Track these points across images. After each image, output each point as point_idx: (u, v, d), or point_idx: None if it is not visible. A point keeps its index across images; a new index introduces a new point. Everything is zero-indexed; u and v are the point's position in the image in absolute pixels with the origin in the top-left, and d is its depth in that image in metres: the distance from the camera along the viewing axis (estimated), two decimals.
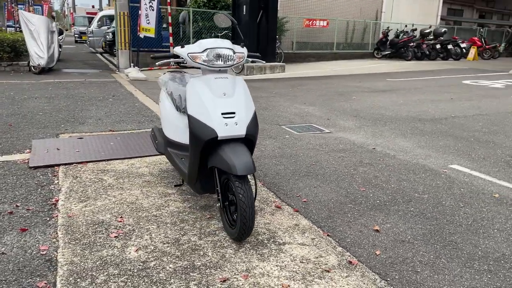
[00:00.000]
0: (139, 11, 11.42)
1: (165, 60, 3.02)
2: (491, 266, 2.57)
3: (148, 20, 11.26)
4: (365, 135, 5.75)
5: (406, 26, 20.27)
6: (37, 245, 2.64)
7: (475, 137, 5.74)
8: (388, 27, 19.60)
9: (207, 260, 2.50)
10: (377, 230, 2.97)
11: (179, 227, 2.92)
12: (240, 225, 2.54)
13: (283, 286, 2.26)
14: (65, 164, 4.16)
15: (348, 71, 14.51)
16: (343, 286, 2.30)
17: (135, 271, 2.38)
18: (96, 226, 2.92)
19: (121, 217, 3.07)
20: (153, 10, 11.17)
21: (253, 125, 2.70)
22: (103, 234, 2.81)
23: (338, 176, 4.06)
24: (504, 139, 5.69)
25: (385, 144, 5.28)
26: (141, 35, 11.49)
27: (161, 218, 3.06)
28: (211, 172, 2.83)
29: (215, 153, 2.65)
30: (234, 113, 2.66)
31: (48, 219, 3.01)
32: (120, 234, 2.81)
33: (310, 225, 3.03)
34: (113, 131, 5.51)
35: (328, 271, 2.43)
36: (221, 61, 2.72)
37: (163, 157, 4.45)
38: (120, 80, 10.69)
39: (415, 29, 19.59)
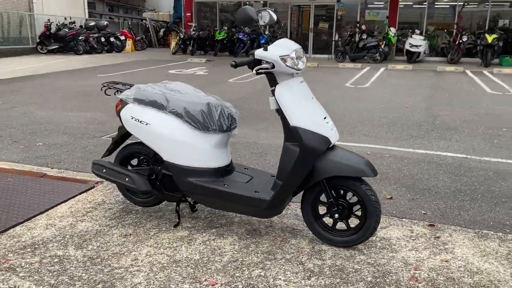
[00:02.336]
0: None
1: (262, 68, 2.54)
2: None
3: None
4: None
5: (65, 18, 19.37)
6: None
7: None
8: (49, 19, 18.23)
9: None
10: None
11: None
12: (371, 228, 2.62)
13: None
14: None
15: (21, 72, 12.95)
16: None
17: None
18: None
19: None
20: None
21: None
22: None
23: None
24: None
25: None
26: None
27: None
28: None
29: (325, 162, 2.56)
30: (326, 117, 2.66)
31: None
32: None
33: None
34: None
35: None
36: (302, 62, 2.60)
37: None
38: None
39: (74, 22, 19.08)
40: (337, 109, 7.49)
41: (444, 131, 6.06)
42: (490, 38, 14.58)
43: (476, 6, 18.45)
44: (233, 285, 2.34)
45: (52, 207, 3.32)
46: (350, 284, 2.35)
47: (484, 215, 3.35)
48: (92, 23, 19.30)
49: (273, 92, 2.63)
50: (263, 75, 2.62)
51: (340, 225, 2.80)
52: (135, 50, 22.72)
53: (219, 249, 2.73)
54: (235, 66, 2.56)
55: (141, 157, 3.19)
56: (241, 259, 2.61)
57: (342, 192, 2.71)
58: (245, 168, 3.09)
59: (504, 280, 2.39)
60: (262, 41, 17.95)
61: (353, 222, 2.75)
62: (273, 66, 2.52)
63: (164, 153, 2.83)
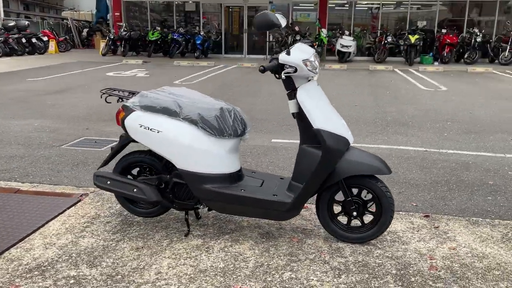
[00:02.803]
0: None
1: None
2: None
3: None
4: None
5: None
6: None
7: None
8: None
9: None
10: None
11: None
12: (386, 223, 2.75)
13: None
14: None
15: None
16: None
17: None
18: None
19: None
20: None
21: None
22: None
23: None
24: None
25: None
26: None
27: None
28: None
29: (344, 162, 2.65)
30: (341, 118, 2.76)
31: None
32: None
33: None
34: None
35: None
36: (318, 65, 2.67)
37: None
38: None
39: None
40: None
41: (398, 127, 6.46)
42: (413, 39, 15.72)
43: (393, 8, 19.73)
44: None
45: (43, 225, 3.09)
46: (379, 279, 2.46)
47: (466, 204, 3.66)
48: (12, 23, 17.91)
49: (290, 95, 2.67)
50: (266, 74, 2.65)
51: (354, 222, 2.91)
52: (59, 51, 21.44)
53: (241, 255, 2.72)
54: (263, 71, 2.57)
55: (144, 167, 3.07)
56: (266, 263, 2.63)
57: (357, 190, 2.82)
58: (252, 172, 3.10)
59: (510, 262, 2.64)
60: (198, 42, 17.83)
61: (367, 218, 2.87)
62: (295, 70, 2.56)
63: (178, 161, 2.76)
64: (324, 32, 17.40)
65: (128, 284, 2.41)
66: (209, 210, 2.97)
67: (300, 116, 2.66)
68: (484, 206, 3.61)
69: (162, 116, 2.76)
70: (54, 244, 2.84)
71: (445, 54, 16.45)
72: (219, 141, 2.76)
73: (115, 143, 3.12)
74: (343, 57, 16.83)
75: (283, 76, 2.59)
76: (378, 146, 5.37)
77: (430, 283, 2.42)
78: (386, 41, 16.68)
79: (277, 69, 2.60)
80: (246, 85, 10.68)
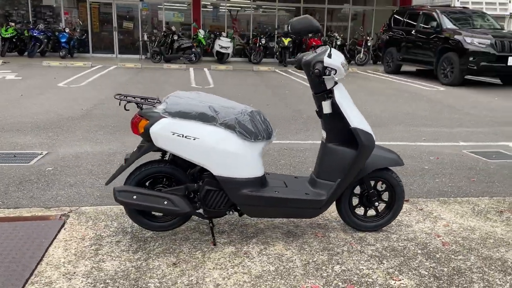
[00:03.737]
0: None
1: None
2: None
3: None
4: None
5: None
6: None
7: None
8: None
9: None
10: None
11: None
12: (399, 209, 3.07)
13: None
14: None
15: None
16: None
17: None
18: None
19: None
20: None
21: None
22: None
23: None
24: None
25: None
26: None
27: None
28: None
29: (370, 158, 2.90)
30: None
31: None
32: None
33: None
34: None
35: None
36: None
37: None
38: None
39: None
40: None
41: (318, 123, 6.98)
42: (286, 41, 16.84)
43: (262, 11, 20.85)
44: (333, 285, 2.47)
45: (44, 254, 2.68)
46: (412, 259, 2.76)
47: (426, 187, 4.23)
48: None
49: (323, 97, 2.80)
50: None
51: (370, 212, 3.17)
52: None
53: (282, 255, 2.77)
54: (319, 75, 2.64)
55: (159, 177, 2.87)
56: (311, 260, 2.73)
57: (373, 182, 3.08)
58: (267, 174, 3.14)
59: (494, 232, 3.20)
60: (63, 40, 16.34)
61: (380, 207, 3.15)
62: (335, 72, 2.70)
63: (216, 168, 2.67)
64: (201, 32, 17.52)
65: None
66: (240, 215, 2.93)
67: (333, 116, 2.81)
68: (439, 187, 4.22)
69: (197, 122, 2.64)
70: (75, 273, 2.50)
71: None
72: (253, 144, 2.76)
73: (129, 153, 2.85)
74: (222, 58, 17.17)
75: (323, 78, 2.71)
76: (312, 142, 5.76)
77: (453, 257, 2.81)
78: (260, 43, 17.51)
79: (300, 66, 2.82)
80: (149, 85, 10.23)
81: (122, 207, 3.39)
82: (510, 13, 16.29)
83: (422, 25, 13.02)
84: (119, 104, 2.87)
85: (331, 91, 2.79)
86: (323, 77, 2.71)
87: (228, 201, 2.79)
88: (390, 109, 8.33)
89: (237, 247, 2.85)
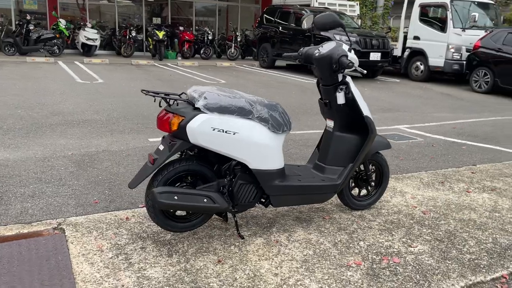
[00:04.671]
0: None
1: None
2: None
3: None
4: None
5: None
6: None
7: None
8: None
9: None
10: None
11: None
12: (385, 187, 3.47)
13: None
14: None
15: None
16: None
17: None
18: None
19: None
20: None
21: None
22: None
23: None
24: None
25: None
26: None
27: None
28: None
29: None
30: None
31: None
32: None
33: None
34: None
35: None
36: None
37: None
38: None
39: None
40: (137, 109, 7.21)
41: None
42: (160, 34, 16.43)
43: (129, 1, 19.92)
44: (370, 259, 2.73)
45: (72, 274, 2.38)
46: (412, 228, 3.19)
47: None
48: None
49: (334, 89, 3.02)
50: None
51: (362, 192, 3.50)
52: None
53: (309, 240, 2.93)
54: (347, 68, 2.81)
55: (184, 176, 2.76)
56: (336, 240, 2.95)
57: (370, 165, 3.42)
58: None
59: (449, 198, 3.83)
60: None
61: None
62: (352, 65, 2.93)
63: (253, 161, 2.69)
64: (62, 22, 15.98)
65: None
66: (266, 206, 2.97)
67: (346, 106, 3.05)
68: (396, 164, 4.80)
69: (235, 116, 2.62)
70: (123, 285, 2.30)
71: (185, 50, 17.90)
72: (279, 136, 2.84)
73: (158, 155, 2.65)
74: (89, 50, 15.96)
75: (349, 71, 2.93)
76: None
77: (438, 222, 3.32)
78: (131, 35, 16.76)
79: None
80: (25, 83, 8.99)
81: (116, 213, 3.15)
82: (358, 14, 18.57)
83: (294, 24, 14.06)
84: (154, 101, 2.64)
85: (343, 83, 3.02)
86: (346, 70, 2.93)
87: (257, 194, 2.83)
88: (289, 100, 8.91)
89: (264, 237, 2.92)
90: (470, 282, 2.53)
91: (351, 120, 3.13)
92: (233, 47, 18.80)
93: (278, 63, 16.27)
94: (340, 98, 3.04)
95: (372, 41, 12.63)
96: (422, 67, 13.30)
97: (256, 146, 2.69)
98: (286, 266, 2.58)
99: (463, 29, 12.41)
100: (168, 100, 2.62)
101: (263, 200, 2.93)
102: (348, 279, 2.49)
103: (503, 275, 2.62)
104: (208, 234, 2.92)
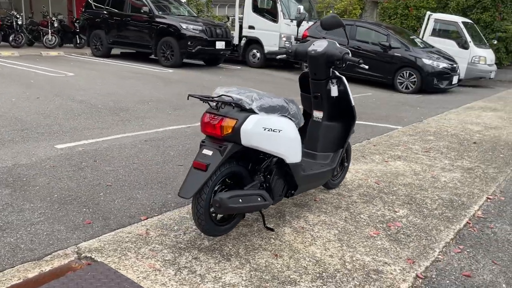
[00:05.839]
0: None
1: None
2: None
3: None
4: None
5: None
6: None
7: None
8: None
9: None
10: None
11: None
12: (347, 167, 3.95)
13: None
14: None
15: None
16: None
17: None
18: None
19: None
20: None
21: None
22: None
23: None
24: None
25: None
26: None
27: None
28: None
29: None
30: None
31: None
32: None
33: None
34: None
35: None
36: None
37: None
38: None
39: None
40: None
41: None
42: None
43: None
44: (380, 228, 3.20)
45: None
46: (383, 197, 3.77)
47: None
48: None
49: (327, 82, 3.32)
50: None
51: None
52: None
53: (324, 221, 3.23)
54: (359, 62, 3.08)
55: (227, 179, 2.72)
56: (343, 217, 3.31)
57: None
58: None
59: (380, 168, 4.57)
60: None
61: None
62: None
63: (289, 156, 2.82)
64: None
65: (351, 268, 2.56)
66: (287, 197, 3.09)
67: (338, 98, 3.37)
68: None
69: (278, 115, 2.71)
70: None
71: None
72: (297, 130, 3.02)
73: (210, 161, 2.50)
74: None
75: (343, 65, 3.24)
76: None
77: (392, 189, 3.99)
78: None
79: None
80: None
81: (125, 229, 2.89)
82: (184, 1, 18.78)
83: (132, 11, 13.41)
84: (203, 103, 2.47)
85: (335, 77, 3.34)
86: (344, 65, 3.24)
87: (285, 187, 2.98)
88: (152, 90, 8.70)
89: (288, 226, 3.09)
90: (456, 230, 3.22)
91: (337, 110, 3.48)
92: (50, 34, 16.85)
93: (113, 51, 15.35)
94: (334, 91, 3.36)
95: (216, 30, 13.07)
96: (258, 55, 14.41)
97: (292, 141, 2.82)
98: (331, 247, 2.83)
99: (291, 19, 13.91)
100: (215, 104, 2.53)
101: (290, 192, 3.07)
102: (382, 247, 2.89)
103: (467, 222, 3.40)
104: (239, 233, 2.93)
